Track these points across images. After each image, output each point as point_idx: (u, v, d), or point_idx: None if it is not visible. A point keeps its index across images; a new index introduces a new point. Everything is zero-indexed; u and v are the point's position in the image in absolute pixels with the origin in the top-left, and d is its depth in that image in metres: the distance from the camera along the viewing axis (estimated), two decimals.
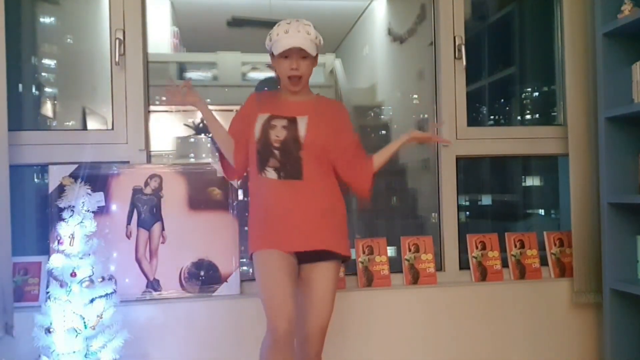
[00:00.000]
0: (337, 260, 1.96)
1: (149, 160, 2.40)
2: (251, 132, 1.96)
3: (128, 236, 2.26)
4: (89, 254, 1.91)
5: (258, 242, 1.95)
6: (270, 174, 1.92)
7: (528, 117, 3.36)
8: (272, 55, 1.99)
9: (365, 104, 5.10)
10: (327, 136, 1.95)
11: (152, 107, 2.51)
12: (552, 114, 3.03)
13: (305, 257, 1.93)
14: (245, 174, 2.10)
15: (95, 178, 2.22)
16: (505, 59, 3.32)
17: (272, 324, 1.78)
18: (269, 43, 1.97)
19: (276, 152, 1.92)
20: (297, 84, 1.96)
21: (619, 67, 2.38)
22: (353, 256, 2.47)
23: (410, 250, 2.52)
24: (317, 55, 1.98)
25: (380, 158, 2.05)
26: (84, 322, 1.86)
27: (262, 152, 1.93)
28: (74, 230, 1.89)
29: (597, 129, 2.45)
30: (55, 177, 2.22)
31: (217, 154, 2.11)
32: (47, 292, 1.88)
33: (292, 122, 1.93)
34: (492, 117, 3.52)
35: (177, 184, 2.31)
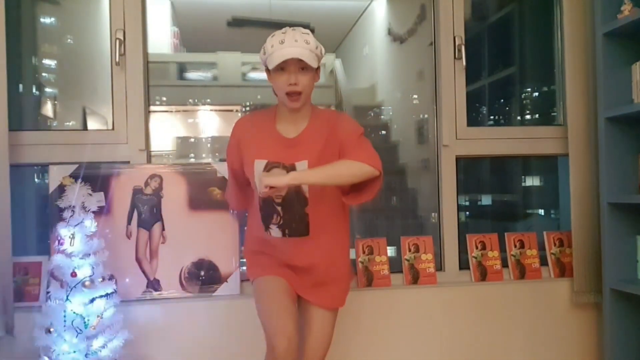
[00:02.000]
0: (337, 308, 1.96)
1: (149, 160, 2.40)
2: (253, 182, 1.85)
3: (128, 236, 2.26)
4: (89, 254, 1.91)
5: (258, 270, 1.94)
6: (275, 232, 1.84)
7: (528, 117, 3.36)
8: (267, 71, 1.81)
9: (365, 104, 5.11)
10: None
11: (152, 107, 2.51)
12: (552, 114, 3.03)
13: None
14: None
15: (96, 178, 2.22)
16: (505, 59, 3.32)
17: (272, 342, 1.72)
18: (263, 57, 1.79)
19: (279, 208, 1.81)
20: (297, 100, 1.76)
21: (619, 67, 2.38)
22: (353, 256, 2.48)
23: (410, 250, 2.53)
24: (318, 68, 1.81)
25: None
26: (84, 322, 1.86)
27: (264, 208, 1.84)
28: (74, 230, 1.89)
29: (597, 129, 2.45)
30: (55, 177, 2.22)
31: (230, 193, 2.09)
32: (48, 292, 1.88)
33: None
34: (492, 117, 3.52)
35: (177, 184, 2.31)
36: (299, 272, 1.90)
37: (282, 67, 1.73)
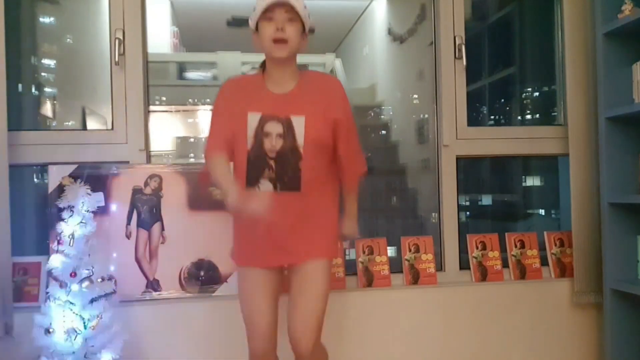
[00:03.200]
0: (326, 259, 1.87)
1: (148, 160, 2.40)
2: (242, 136, 1.79)
3: (128, 236, 2.26)
4: (89, 254, 1.91)
5: (242, 256, 1.91)
6: (265, 186, 1.78)
7: (528, 117, 3.37)
8: (255, 31, 1.80)
9: (365, 104, 5.10)
10: (327, 130, 1.81)
11: (152, 107, 2.51)
12: (552, 114, 3.03)
13: None
14: None
15: (95, 178, 2.22)
16: (505, 59, 3.32)
17: (249, 343, 1.83)
18: (252, 15, 1.79)
19: (271, 162, 1.78)
20: (283, 49, 1.74)
21: (619, 67, 2.38)
22: (352, 256, 2.48)
23: (410, 250, 2.52)
24: (304, 28, 1.79)
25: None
26: (84, 322, 1.86)
27: (255, 162, 1.79)
28: (74, 230, 1.89)
29: (597, 129, 2.45)
30: (55, 177, 2.21)
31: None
32: (47, 292, 1.88)
33: (289, 127, 1.77)
34: (492, 117, 3.52)
35: (177, 184, 2.31)
36: (289, 238, 1.82)
37: (269, 17, 1.74)
